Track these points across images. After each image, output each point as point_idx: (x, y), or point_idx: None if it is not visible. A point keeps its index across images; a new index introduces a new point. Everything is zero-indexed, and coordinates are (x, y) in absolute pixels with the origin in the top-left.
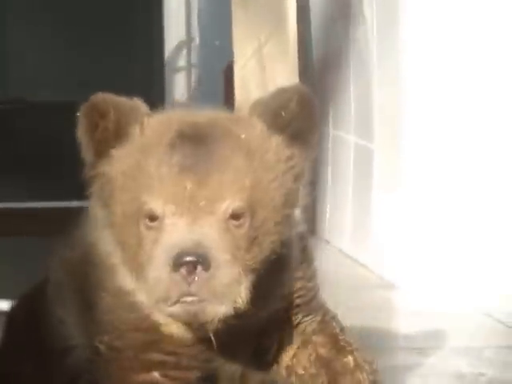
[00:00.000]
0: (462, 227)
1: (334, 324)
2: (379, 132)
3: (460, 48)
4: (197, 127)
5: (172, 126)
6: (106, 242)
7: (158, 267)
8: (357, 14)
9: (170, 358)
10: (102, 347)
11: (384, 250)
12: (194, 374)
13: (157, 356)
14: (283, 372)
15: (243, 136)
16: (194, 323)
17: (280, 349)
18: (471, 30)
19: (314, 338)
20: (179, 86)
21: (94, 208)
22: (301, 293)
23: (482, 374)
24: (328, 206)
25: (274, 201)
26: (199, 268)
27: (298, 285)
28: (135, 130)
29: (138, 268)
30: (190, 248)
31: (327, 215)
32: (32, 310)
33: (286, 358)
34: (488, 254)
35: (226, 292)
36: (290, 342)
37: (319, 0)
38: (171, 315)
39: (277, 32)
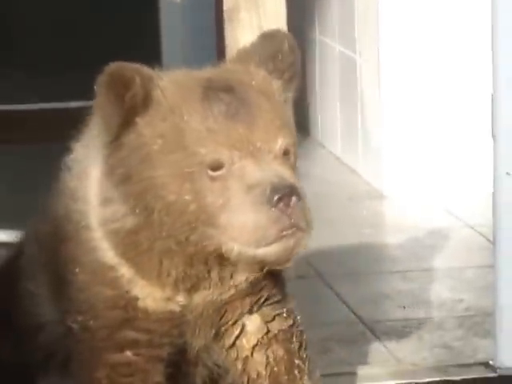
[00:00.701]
0: (448, 129)
1: (295, 337)
2: (361, 40)
3: None
4: (217, 80)
5: (194, 83)
6: (88, 216)
7: (249, 208)
8: None
9: (143, 336)
10: (75, 327)
11: (372, 157)
12: (165, 351)
13: (130, 334)
14: (239, 365)
15: (254, 83)
16: (281, 260)
17: (241, 334)
18: None
19: (274, 346)
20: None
21: (83, 180)
22: None
23: (461, 300)
24: (319, 110)
25: (294, 137)
26: (294, 199)
27: None
28: (157, 94)
29: (194, 222)
30: (280, 182)
31: (319, 119)
32: (3, 284)
33: (247, 345)
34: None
35: (312, 220)
36: (252, 329)
37: None
38: (268, 255)
39: None
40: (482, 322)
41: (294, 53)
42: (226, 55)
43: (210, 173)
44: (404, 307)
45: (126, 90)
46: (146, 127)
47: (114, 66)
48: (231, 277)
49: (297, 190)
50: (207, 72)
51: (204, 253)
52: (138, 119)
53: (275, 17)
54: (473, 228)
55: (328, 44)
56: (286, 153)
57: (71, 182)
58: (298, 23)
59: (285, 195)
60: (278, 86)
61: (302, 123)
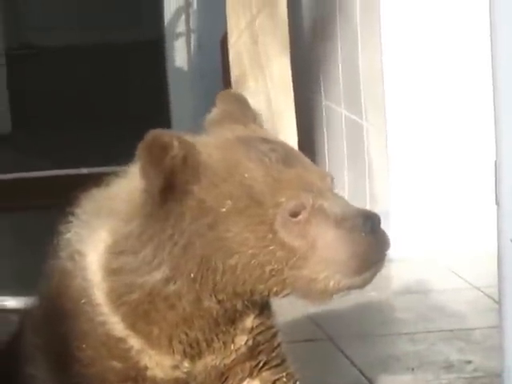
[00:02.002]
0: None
1: None
2: (366, 106)
3: (443, 15)
4: (244, 135)
5: (230, 144)
6: (91, 292)
7: (345, 240)
8: None
9: None
10: None
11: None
12: None
13: None
14: None
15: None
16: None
17: None
18: None
19: None
20: (179, 51)
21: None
22: (262, 328)
23: (469, 362)
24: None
25: None
26: (381, 225)
27: (257, 321)
28: (204, 159)
29: (280, 269)
30: (365, 211)
31: None
32: (4, 365)
33: None
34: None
35: None
36: None
37: None
38: (363, 282)
39: (268, 4)
40: (490, 383)
41: (251, 108)
42: None
43: (292, 218)
44: (412, 369)
45: (165, 154)
46: (206, 193)
47: (153, 132)
48: (232, 341)
49: (379, 216)
50: (225, 132)
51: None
52: (193, 187)
53: (281, 83)
54: (479, 289)
55: (334, 109)
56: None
57: (65, 261)
58: (304, 89)
59: (375, 222)
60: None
61: None
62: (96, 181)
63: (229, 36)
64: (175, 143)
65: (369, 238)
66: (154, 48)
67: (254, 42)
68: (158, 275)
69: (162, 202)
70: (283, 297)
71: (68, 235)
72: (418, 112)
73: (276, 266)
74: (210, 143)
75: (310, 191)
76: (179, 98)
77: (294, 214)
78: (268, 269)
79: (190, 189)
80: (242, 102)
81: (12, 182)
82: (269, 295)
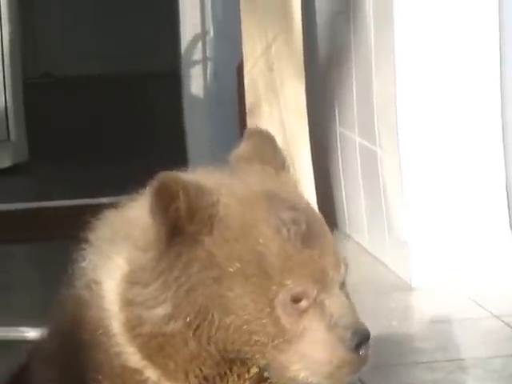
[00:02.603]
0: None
1: None
2: (380, 134)
3: (455, 41)
4: (274, 193)
5: (255, 199)
6: (107, 323)
7: (328, 345)
8: (357, 6)
9: None
10: None
11: (399, 248)
12: None
13: None
14: None
15: (296, 191)
16: None
17: None
18: (466, 24)
19: None
20: (195, 79)
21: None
22: None
23: None
24: (345, 202)
25: None
26: (368, 344)
27: None
28: (220, 211)
29: (264, 343)
30: (359, 326)
31: (345, 211)
32: None
33: None
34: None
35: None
36: None
37: None
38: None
39: (283, 30)
40: None
41: (280, 150)
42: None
43: (293, 303)
44: None
45: (170, 203)
46: (217, 248)
47: (162, 177)
48: (248, 371)
49: (369, 334)
50: (252, 182)
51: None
52: (204, 238)
53: (296, 109)
54: (499, 318)
55: (348, 136)
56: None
57: (81, 290)
58: (319, 115)
59: (363, 340)
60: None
61: (330, 216)
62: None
63: (244, 63)
64: (181, 195)
65: (349, 354)
66: (170, 76)
67: (269, 69)
68: (161, 311)
69: (171, 244)
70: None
71: (83, 263)
72: (432, 138)
73: (262, 339)
74: (233, 193)
75: (318, 282)
76: (195, 126)
77: (296, 300)
78: (255, 338)
79: (200, 239)
80: (271, 142)
81: (29, 212)
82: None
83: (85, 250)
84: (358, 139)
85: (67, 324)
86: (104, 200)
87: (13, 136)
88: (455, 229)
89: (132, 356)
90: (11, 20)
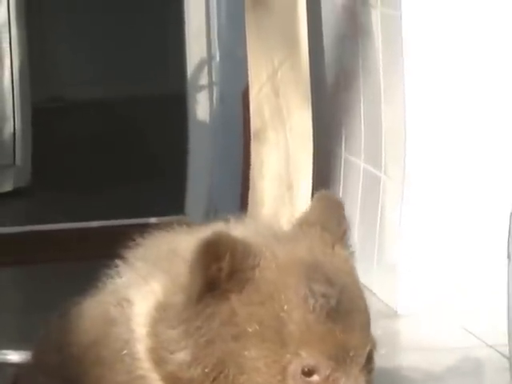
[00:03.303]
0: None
1: None
2: (387, 159)
3: (466, 67)
4: (315, 265)
5: (294, 268)
6: (133, 345)
7: None
8: (365, 30)
9: None
10: None
11: (386, 274)
12: None
13: None
14: None
15: (343, 266)
16: None
17: None
18: (476, 48)
19: None
20: (200, 103)
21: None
22: None
23: None
24: None
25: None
26: None
27: None
28: (255, 274)
29: None
30: None
31: None
32: None
33: None
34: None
35: None
36: None
37: (332, 20)
38: None
39: (290, 56)
40: None
41: (346, 219)
42: (251, 173)
43: (303, 376)
44: None
45: (214, 262)
46: (242, 307)
47: (213, 236)
48: None
49: None
50: (300, 246)
51: None
52: (231, 295)
53: (301, 136)
54: (493, 347)
55: (353, 162)
56: (369, 357)
57: (111, 306)
58: (325, 141)
59: None
60: (354, 264)
61: None
62: (123, 233)
63: (250, 89)
64: (227, 257)
65: None
66: (176, 100)
67: (275, 94)
68: (181, 356)
69: (203, 296)
70: None
71: (117, 280)
72: (438, 167)
73: None
74: (274, 257)
75: (334, 358)
76: (199, 149)
77: (307, 373)
78: None
79: (228, 295)
80: (338, 210)
81: (28, 235)
82: None
83: (120, 266)
84: (362, 164)
85: (83, 337)
86: (106, 223)
87: (18, 160)
88: (447, 257)
89: (155, 382)
90: (21, 45)
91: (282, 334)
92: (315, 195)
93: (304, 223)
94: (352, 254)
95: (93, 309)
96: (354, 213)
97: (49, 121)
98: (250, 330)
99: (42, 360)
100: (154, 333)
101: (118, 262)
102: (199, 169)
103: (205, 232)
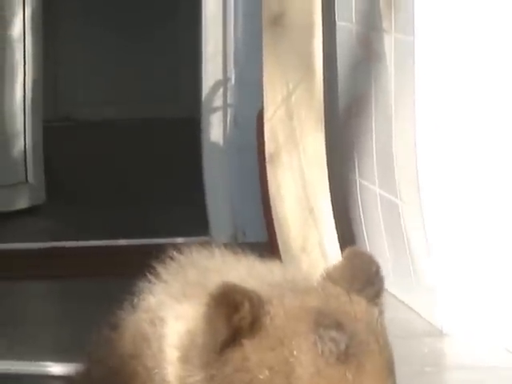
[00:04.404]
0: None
1: None
2: (401, 185)
3: (478, 94)
4: (326, 312)
5: (303, 314)
6: (164, 366)
7: None
8: (378, 55)
9: None
10: None
11: (427, 294)
12: None
13: None
14: None
15: (360, 316)
16: None
17: None
18: (489, 75)
19: None
20: (215, 126)
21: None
22: None
23: None
24: (368, 250)
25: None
26: None
27: None
28: (266, 321)
29: None
30: None
31: None
32: None
33: None
34: None
35: None
36: None
37: (345, 44)
38: None
39: (304, 79)
40: None
41: (382, 277)
42: (270, 196)
43: None
44: None
45: (235, 312)
46: (253, 353)
47: (226, 286)
48: None
49: None
50: (312, 295)
51: None
52: (244, 341)
53: (315, 158)
54: None
55: (368, 187)
56: None
57: (145, 324)
58: (338, 165)
59: None
60: (376, 315)
61: None
62: (134, 252)
63: (265, 111)
64: (246, 305)
65: None
66: (191, 123)
67: (289, 117)
68: None
69: (224, 347)
70: None
71: (150, 297)
72: (453, 189)
73: None
74: (282, 304)
75: None
76: (214, 173)
77: None
78: None
79: (242, 341)
80: (368, 270)
81: (46, 251)
82: None
83: (152, 283)
84: (378, 190)
85: (122, 350)
86: (119, 242)
87: (30, 178)
88: (486, 275)
89: None
90: (35, 64)
91: (291, 380)
92: (346, 252)
93: (328, 279)
94: (382, 312)
95: (130, 324)
96: (380, 238)
97: (61, 140)
98: (261, 376)
99: (88, 372)
100: (184, 361)
101: (150, 278)
102: (216, 191)
103: (234, 269)
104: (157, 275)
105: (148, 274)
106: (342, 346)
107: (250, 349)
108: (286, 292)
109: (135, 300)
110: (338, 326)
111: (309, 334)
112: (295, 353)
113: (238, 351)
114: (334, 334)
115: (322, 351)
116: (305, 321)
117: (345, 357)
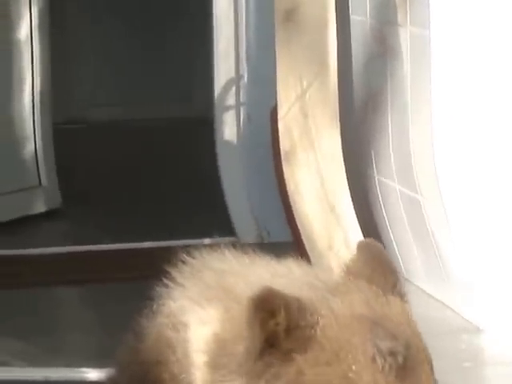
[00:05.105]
0: None
1: None
2: (420, 180)
3: (496, 87)
4: (378, 322)
5: (357, 325)
6: (191, 372)
7: None
8: (393, 49)
9: None
10: None
11: (462, 291)
12: None
13: None
14: None
15: (403, 319)
16: None
17: None
18: (506, 67)
19: None
20: (228, 124)
21: None
22: None
23: None
24: (397, 250)
25: None
26: None
27: None
28: (317, 332)
29: None
30: None
31: (398, 256)
32: None
33: None
34: None
35: None
36: None
37: (360, 39)
38: None
39: (319, 76)
40: None
41: (393, 267)
42: (290, 196)
43: None
44: None
45: (270, 319)
46: (309, 368)
47: (265, 292)
48: None
49: None
50: (355, 299)
51: None
52: (296, 355)
53: (331, 156)
54: None
55: (387, 184)
56: None
57: (167, 329)
58: (355, 162)
59: None
60: (410, 312)
61: None
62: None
63: (279, 109)
64: (282, 311)
65: None
66: (204, 122)
67: (304, 115)
68: None
69: (263, 354)
70: None
71: (170, 302)
72: (472, 182)
73: None
74: (333, 313)
75: None
76: (229, 172)
77: None
78: None
79: (292, 356)
80: (383, 261)
81: (63, 255)
82: None
83: (170, 288)
84: (398, 187)
85: (146, 356)
86: (141, 245)
87: (44, 181)
88: None
89: None
90: (43, 66)
91: None
92: (357, 244)
93: (351, 274)
94: (407, 302)
95: (152, 331)
96: (405, 234)
97: (73, 142)
98: None
99: (114, 379)
100: (213, 366)
101: (167, 282)
102: (235, 191)
103: (254, 273)
104: (173, 279)
105: (163, 278)
106: (400, 360)
107: (305, 364)
108: (328, 295)
109: (154, 305)
110: (393, 336)
111: (366, 346)
112: (354, 368)
113: (291, 366)
114: (391, 345)
115: (382, 367)
116: (359, 331)
117: (403, 372)
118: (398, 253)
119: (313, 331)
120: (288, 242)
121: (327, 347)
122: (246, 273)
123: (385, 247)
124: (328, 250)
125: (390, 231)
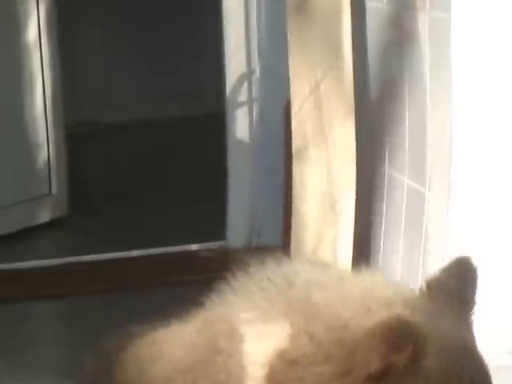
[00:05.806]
0: None
1: None
2: (431, 175)
3: None
4: (468, 358)
5: (454, 360)
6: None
7: None
8: (411, 36)
9: None
10: None
11: None
12: None
13: None
14: None
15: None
16: None
17: None
18: None
19: None
20: (240, 121)
21: None
22: None
23: None
24: (382, 246)
25: None
26: None
27: None
28: (422, 362)
29: None
30: None
31: (380, 255)
32: None
33: None
34: None
35: None
36: None
37: (376, 26)
38: None
39: (333, 67)
40: None
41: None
42: (293, 196)
43: None
44: None
45: (394, 352)
46: None
47: (398, 321)
48: None
49: None
50: (451, 329)
51: None
52: (402, 382)
53: (344, 151)
54: None
55: (397, 177)
56: None
57: (219, 336)
58: (368, 156)
59: None
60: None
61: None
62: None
63: (292, 103)
64: (409, 349)
65: None
66: (215, 119)
67: (318, 109)
68: None
69: (369, 380)
70: None
71: (219, 309)
72: (486, 181)
73: None
74: (436, 341)
75: None
76: (239, 169)
77: None
78: None
79: (397, 381)
80: (474, 279)
81: (69, 266)
82: None
83: (220, 295)
84: (406, 180)
85: (171, 365)
86: (148, 252)
87: (54, 190)
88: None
89: None
90: (53, 70)
91: None
92: (454, 259)
93: (440, 292)
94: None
95: (190, 336)
96: (398, 232)
97: (82, 146)
98: None
99: None
100: (276, 380)
101: (223, 290)
102: (240, 191)
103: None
104: (229, 288)
105: (218, 285)
106: None
107: None
108: (429, 320)
109: (202, 309)
110: (479, 366)
111: (463, 378)
112: None
113: None
114: (477, 376)
115: None
116: (457, 362)
117: None
118: (382, 248)
119: (421, 361)
120: (274, 245)
121: (431, 377)
122: (333, 287)
123: (372, 240)
124: (313, 253)
125: (383, 226)
